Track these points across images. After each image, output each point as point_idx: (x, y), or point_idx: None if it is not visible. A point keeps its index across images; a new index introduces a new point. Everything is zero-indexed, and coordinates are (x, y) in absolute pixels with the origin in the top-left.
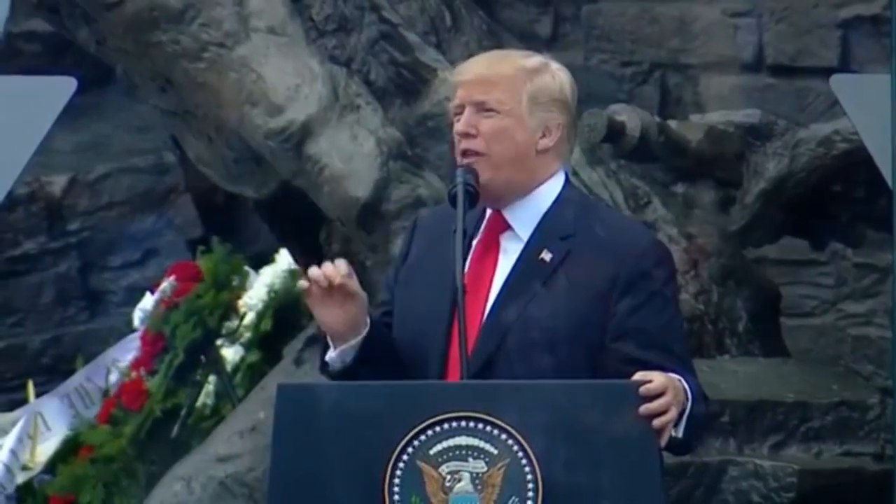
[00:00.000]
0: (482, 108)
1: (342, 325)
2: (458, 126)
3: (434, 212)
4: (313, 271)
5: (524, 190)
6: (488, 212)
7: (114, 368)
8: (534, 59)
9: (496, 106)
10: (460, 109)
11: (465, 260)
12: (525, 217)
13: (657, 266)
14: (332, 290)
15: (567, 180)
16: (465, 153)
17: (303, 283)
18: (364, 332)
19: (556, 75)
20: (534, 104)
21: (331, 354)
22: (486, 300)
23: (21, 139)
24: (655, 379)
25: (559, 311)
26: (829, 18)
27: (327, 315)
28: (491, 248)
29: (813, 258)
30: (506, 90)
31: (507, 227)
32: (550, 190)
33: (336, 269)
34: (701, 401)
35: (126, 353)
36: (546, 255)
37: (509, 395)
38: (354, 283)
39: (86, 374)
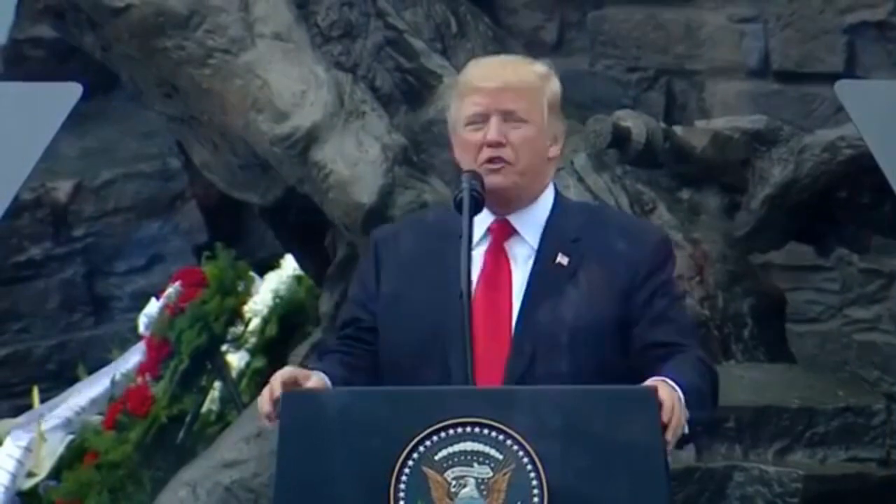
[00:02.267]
0: (512, 117)
1: None
2: (492, 135)
3: (395, 228)
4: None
5: (533, 197)
6: (482, 219)
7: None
8: (542, 66)
9: (525, 115)
10: (483, 118)
11: (469, 268)
12: (531, 223)
13: (669, 257)
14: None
15: (555, 186)
16: (493, 160)
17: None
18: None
19: (557, 82)
20: (550, 112)
21: None
22: (511, 307)
23: (26, 145)
24: (661, 390)
25: (584, 311)
26: (835, 24)
27: None
28: (499, 256)
29: (818, 264)
30: (532, 99)
31: (512, 233)
32: (549, 195)
33: (262, 401)
34: (708, 402)
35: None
36: (563, 259)
37: (514, 400)
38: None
39: (89, 397)
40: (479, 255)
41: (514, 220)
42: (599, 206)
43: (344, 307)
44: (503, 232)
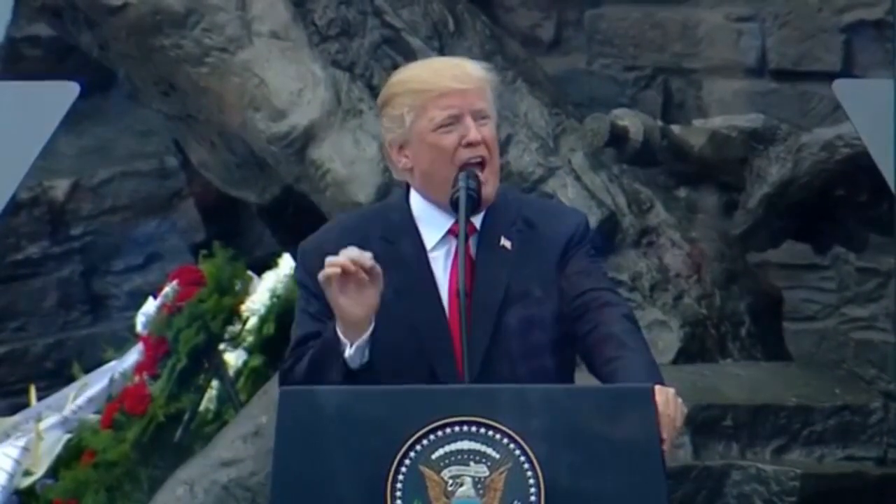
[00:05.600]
0: (479, 115)
1: (364, 313)
2: (474, 135)
3: (328, 235)
4: (339, 259)
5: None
6: (440, 222)
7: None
8: (477, 63)
9: (490, 112)
10: (455, 119)
11: (430, 269)
12: (478, 215)
13: (587, 232)
14: (352, 277)
15: None
16: (482, 162)
17: (332, 271)
18: (372, 326)
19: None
20: (495, 109)
21: (350, 352)
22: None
23: (24, 144)
24: (659, 394)
25: (531, 292)
26: (833, 23)
27: (350, 303)
28: (467, 257)
29: (816, 262)
30: (488, 96)
31: (474, 231)
32: None
33: (362, 256)
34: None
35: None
36: (505, 242)
37: (512, 398)
38: (375, 266)
39: (87, 396)
40: (442, 258)
41: (475, 219)
42: (521, 193)
43: (297, 322)
44: (469, 232)
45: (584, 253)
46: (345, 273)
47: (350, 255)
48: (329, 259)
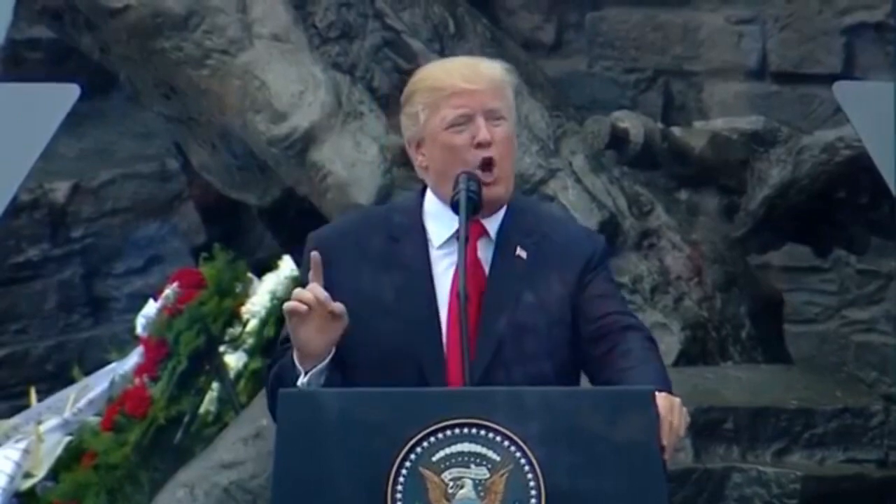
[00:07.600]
0: (493, 115)
1: (322, 347)
2: (483, 135)
3: (338, 229)
4: (305, 295)
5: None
6: (447, 222)
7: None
8: (499, 63)
9: (505, 113)
10: (467, 118)
11: (430, 270)
12: (494, 219)
13: (606, 256)
14: (317, 312)
15: None
16: (486, 163)
17: (298, 306)
18: (330, 355)
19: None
20: (514, 109)
21: (302, 380)
22: (481, 305)
23: (24, 146)
24: (664, 400)
25: (541, 305)
26: (833, 25)
27: (309, 337)
28: (474, 257)
29: (816, 265)
30: (505, 96)
31: (482, 234)
32: None
33: (328, 300)
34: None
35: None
36: (521, 253)
37: (512, 401)
38: (341, 307)
39: (87, 398)
40: (449, 259)
41: (486, 221)
42: (536, 201)
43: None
44: (475, 234)
45: (603, 277)
46: (309, 307)
47: (317, 293)
48: (297, 292)
